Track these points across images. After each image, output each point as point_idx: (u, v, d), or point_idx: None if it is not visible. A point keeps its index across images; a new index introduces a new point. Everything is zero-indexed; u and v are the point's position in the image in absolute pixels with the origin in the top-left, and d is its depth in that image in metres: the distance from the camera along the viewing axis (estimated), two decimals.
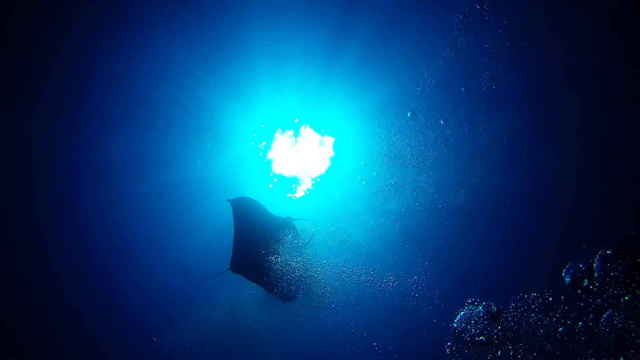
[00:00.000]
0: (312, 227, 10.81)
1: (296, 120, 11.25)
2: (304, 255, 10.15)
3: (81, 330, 13.73)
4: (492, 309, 6.92)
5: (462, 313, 7.16)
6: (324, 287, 10.64)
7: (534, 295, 6.67)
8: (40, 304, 13.40)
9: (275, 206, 10.02)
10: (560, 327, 6.33)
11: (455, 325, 7.25)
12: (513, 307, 6.84)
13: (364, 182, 11.39)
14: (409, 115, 10.24)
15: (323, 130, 11.25)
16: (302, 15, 10.27)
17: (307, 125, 11.25)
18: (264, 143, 11.43)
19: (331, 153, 11.41)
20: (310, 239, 10.28)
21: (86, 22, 9.71)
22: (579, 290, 6.17)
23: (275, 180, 11.64)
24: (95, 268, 13.26)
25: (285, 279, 9.79)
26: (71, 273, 13.20)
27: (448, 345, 7.17)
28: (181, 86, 10.89)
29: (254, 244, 9.51)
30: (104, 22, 9.81)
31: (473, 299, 7.18)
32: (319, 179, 11.64)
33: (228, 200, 9.27)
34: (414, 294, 10.20)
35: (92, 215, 12.33)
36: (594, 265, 6.12)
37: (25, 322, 13.50)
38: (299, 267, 10.00)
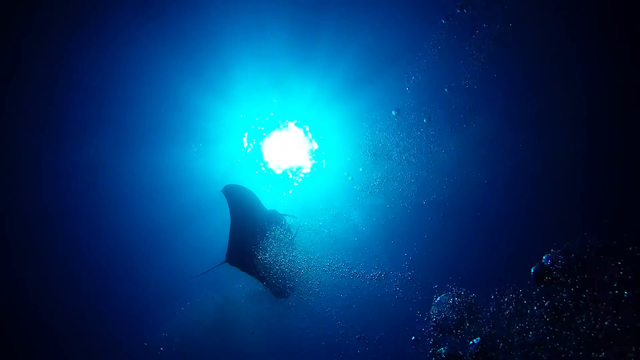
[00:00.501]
0: (299, 222, 10.98)
1: (279, 120, 11.39)
2: (294, 250, 10.31)
3: (69, 327, 13.72)
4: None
5: (436, 303, 7.53)
6: (312, 281, 10.84)
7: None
8: (27, 302, 13.33)
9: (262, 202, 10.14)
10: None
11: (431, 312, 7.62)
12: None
13: (350, 178, 11.59)
14: (393, 113, 10.46)
15: (308, 127, 11.40)
16: (287, 13, 10.34)
17: (292, 123, 11.39)
18: (245, 144, 11.53)
19: (317, 149, 11.58)
20: (296, 234, 10.44)
21: (69, 24, 9.64)
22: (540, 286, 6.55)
23: (262, 171, 11.77)
24: (83, 266, 13.24)
25: (279, 274, 9.92)
26: (59, 271, 13.16)
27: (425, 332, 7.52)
28: (164, 87, 10.90)
29: (250, 233, 9.47)
30: (86, 25, 9.75)
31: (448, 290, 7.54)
32: (304, 175, 11.82)
33: (221, 191, 9.28)
34: (397, 288, 10.51)
35: (80, 214, 12.31)
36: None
37: (12, 322, 13.41)
38: (291, 262, 10.14)
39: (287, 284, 10.18)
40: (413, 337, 8.38)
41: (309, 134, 11.45)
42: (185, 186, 12.04)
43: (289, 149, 11.52)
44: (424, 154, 10.60)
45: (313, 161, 11.65)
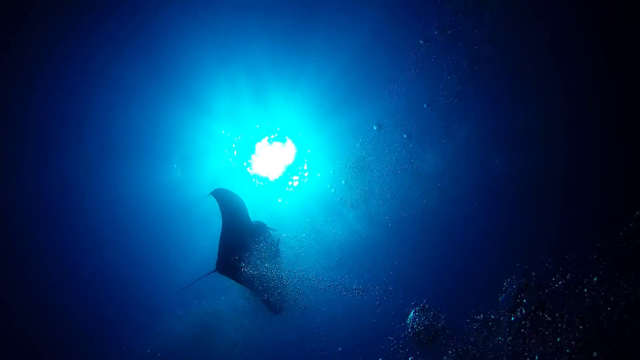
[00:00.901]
0: (280, 234, 11.02)
1: (261, 134, 11.56)
2: (280, 262, 10.35)
3: (49, 343, 13.55)
4: None
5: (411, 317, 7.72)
6: (296, 294, 10.89)
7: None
8: (5, 308, 13.15)
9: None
10: None
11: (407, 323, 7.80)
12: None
13: (333, 191, 11.74)
14: (375, 128, 10.70)
15: (291, 141, 11.57)
16: (271, 30, 10.55)
17: (274, 135, 11.56)
18: (228, 151, 11.62)
19: (300, 162, 11.74)
20: (278, 242, 10.49)
21: (49, 37, 9.76)
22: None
23: (244, 185, 11.87)
24: (64, 279, 13.14)
25: (271, 283, 9.92)
26: (41, 283, 13.03)
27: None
28: (144, 101, 11.04)
29: (241, 238, 9.40)
30: (68, 37, 9.87)
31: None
32: (291, 189, 11.97)
33: (210, 194, 9.25)
34: (378, 303, 10.64)
35: (67, 227, 12.29)
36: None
37: None
38: (280, 272, 10.17)
39: (278, 295, 10.14)
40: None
41: (291, 147, 11.61)
42: (169, 200, 12.08)
43: (271, 162, 11.66)
44: (405, 168, 10.83)
45: (296, 173, 11.81)
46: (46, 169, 11.40)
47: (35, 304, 13.36)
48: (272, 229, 10.29)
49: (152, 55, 10.50)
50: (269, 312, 10.64)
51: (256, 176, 11.78)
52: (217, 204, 9.51)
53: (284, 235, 11.15)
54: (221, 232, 9.31)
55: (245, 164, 11.71)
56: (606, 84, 9.32)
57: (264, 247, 9.90)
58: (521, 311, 7.01)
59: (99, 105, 10.89)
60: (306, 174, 11.80)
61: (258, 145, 11.58)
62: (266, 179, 11.80)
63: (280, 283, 10.24)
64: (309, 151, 11.64)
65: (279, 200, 12.02)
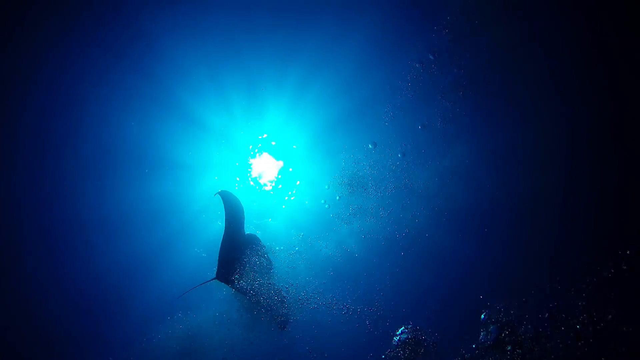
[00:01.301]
0: (275, 247, 10.97)
1: (256, 150, 11.56)
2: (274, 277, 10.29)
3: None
4: None
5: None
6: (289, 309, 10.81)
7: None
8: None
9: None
10: None
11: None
12: None
13: (326, 206, 11.72)
14: (370, 146, 10.72)
15: (284, 154, 11.61)
16: (272, 48, 10.60)
17: (267, 153, 11.57)
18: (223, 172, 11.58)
19: (296, 178, 11.72)
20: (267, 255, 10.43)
21: (53, 51, 9.78)
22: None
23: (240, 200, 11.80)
24: (55, 286, 13.03)
25: (269, 295, 9.85)
26: (30, 288, 12.92)
27: None
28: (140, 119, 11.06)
29: (241, 246, 9.28)
30: (65, 50, 9.88)
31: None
32: (283, 206, 11.93)
33: (217, 193, 9.22)
34: (368, 323, 10.62)
35: (64, 236, 12.24)
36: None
37: None
38: (279, 285, 10.11)
39: (278, 303, 10.06)
40: None
41: (286, 162, 11.62)
42: (162, 213, 12.05)
43: (266, 177, 11.65)
44: (399, 187, 10.84)
45: (291, 188, 11.80)
46: (41, 180, 11.37)
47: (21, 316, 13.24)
48: (264, 246, 10.24)
49: (145, 66, 10.53)
50: (278, 328, 10.54)
51: (251, 189, 11.75)
52: (213, 211, 9.43)
53: (277, 248, 11.11)
54: (224, 234, 9.18)
55: (238, 178, 11.70)
56: (603, 108, 9.37)
57: (260, 257, 9.85)
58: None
59: (94, 115, 10.91)
60: (299, 190, 11.80)
61: (253, 161, 11.58)
62: (261, 193, 11.78)
63: (278, 294, 10.18)
64: (299, 165, 11.63)
65: (273, 216, 12.01)
